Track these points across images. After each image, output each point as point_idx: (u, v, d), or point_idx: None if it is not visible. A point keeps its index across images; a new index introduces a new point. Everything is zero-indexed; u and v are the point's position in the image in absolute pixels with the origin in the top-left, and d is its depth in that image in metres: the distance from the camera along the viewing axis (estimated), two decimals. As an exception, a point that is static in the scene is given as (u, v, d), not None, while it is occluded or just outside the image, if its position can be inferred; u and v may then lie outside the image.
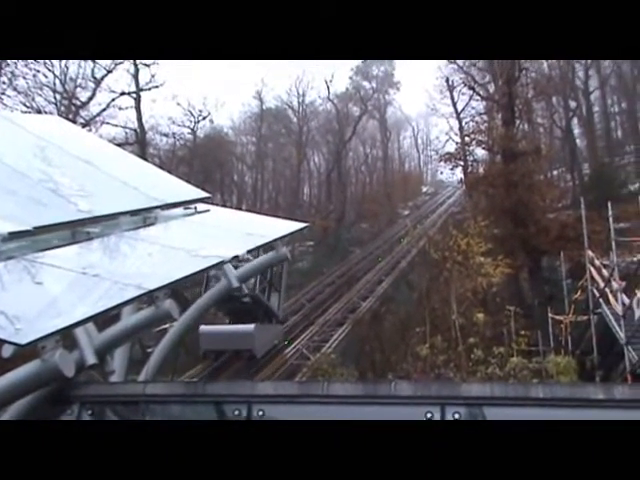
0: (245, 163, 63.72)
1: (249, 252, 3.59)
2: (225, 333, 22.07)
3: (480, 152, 34.58)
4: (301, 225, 4.39)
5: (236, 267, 4.45)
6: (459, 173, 36.97)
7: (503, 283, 24.61)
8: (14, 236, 2.77)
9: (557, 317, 18.57)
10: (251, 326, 21.98)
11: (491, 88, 34.87)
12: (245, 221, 4.44)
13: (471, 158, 34.18)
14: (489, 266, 19.57)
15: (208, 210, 4.16)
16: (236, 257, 3.42)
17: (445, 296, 18.85)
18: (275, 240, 4.03)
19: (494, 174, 28.74)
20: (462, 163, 34.52)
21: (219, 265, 3.39)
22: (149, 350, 4.56)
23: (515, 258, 25.39)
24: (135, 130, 40.86)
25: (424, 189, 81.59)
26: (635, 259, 20.25)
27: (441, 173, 46.27)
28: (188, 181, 4.66)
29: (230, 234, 3.99)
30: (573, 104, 45.15)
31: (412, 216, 60.22)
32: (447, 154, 35.39)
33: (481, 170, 33.12)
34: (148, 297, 3.07)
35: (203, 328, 22.09)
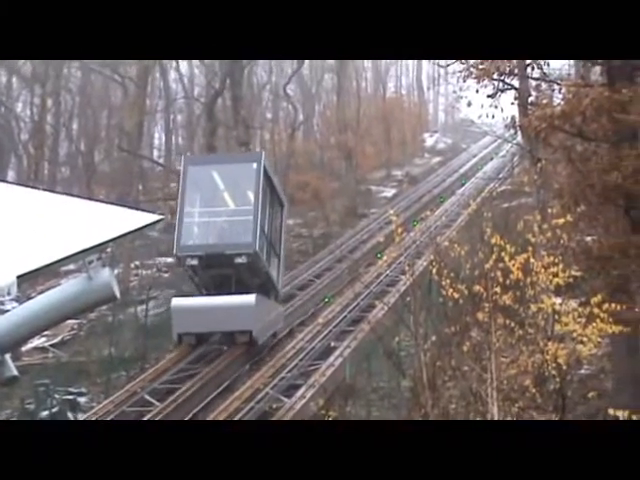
0: (20, 74, 49.92)
1: (21, 279, 3.08)
2: (211, 307, 23.20)
3: (555, 62, 25.78)
4: (149, 218, 3.42)
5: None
6: (508, 105, 27.01)
7: (604, 357, 21.32)
8: None
9: None
10: (250, 297, 23.17)
11: None
12: (14, 206, 3.66)
13: (536, 71, 25.36)
14: (574, 319, 15.91)
15: None
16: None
17: (473, 385, 15.65)
18: (85, 252, 3.30)
19: (587, 107, 20.77)
20: (516, 82, 26.13)
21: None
22: None
23: (634, 300, 19.22)
24: None
25: (428, 139, 68.53)
26: None
27: (468, 105, 31.22)
28: None
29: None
30: None
31: (401, 201, 47.98)
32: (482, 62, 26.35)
33: (558, 99, 24.47)
34: None
35: (177, 302, 23.80)
